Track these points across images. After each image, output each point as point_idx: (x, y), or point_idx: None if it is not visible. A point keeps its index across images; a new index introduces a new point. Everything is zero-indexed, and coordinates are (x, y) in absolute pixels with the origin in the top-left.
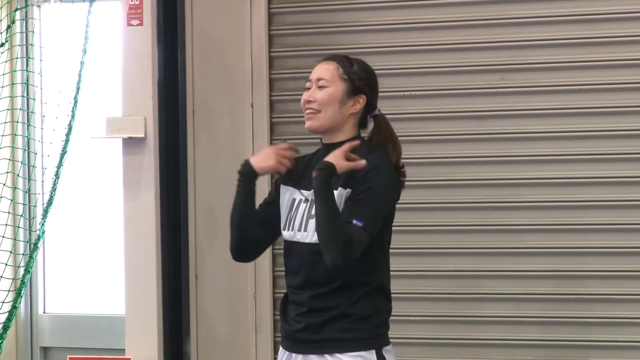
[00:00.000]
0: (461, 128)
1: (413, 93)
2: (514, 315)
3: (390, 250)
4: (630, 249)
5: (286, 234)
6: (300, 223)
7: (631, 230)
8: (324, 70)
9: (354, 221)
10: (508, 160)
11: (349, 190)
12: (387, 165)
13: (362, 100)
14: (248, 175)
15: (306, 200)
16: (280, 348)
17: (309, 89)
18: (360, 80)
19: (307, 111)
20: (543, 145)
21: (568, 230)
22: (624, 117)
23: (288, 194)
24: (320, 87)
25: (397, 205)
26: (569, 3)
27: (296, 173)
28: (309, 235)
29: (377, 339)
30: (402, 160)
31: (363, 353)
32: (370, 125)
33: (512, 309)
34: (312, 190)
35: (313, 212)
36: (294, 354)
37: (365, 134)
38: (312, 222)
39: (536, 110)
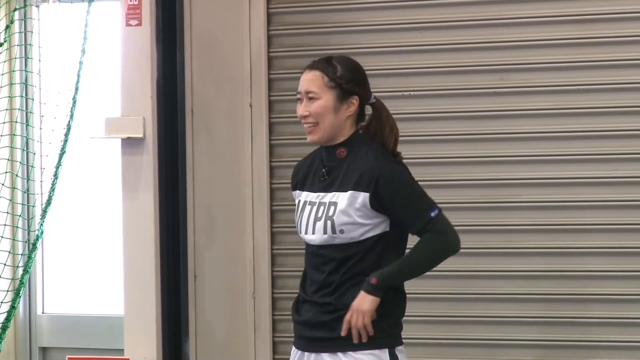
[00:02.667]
0: (460, 128)
1: (412, 93)
2: (513, 315)
3: None
4: (629, 249)
5: (301, 236)
6: (306, 225)
7: (631, 231)
8: (310, 82)
9: (431, 214)
10: (507, 160)
11: (364, 194)
12: (391, 160)
13: (355, 101)
14: None
15: (310, 203)
16: (293, 348)
17: (300, 100)
18: (348, 82)
19: (305, 125)
20: (542, 145)
21: (567, 230)
22: (623, 117)
23: (298, 198)
24: (311, 99)
25: None
26: (568, 3)
27: (301, 176)
28: (316, 236)
29: (390, 339)
30: (404, 160)
31: (376, 352)
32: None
33: (512, 309)
34: (316, 194)
35: (319, 214)
36: (306, 353)
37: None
38: (319, 224)
39: (535, 110)
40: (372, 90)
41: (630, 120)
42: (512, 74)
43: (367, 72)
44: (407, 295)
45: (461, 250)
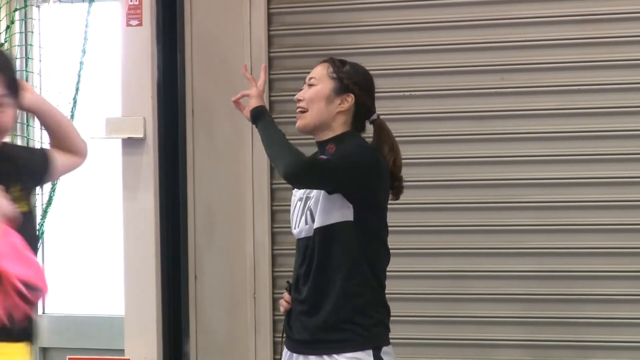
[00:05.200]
0: (461, 128)
1: (413, 93)
2: (512, 315)
3: (391, 251)
4: (629, 249)
5: (293, 233)
6: (296, 221)
7: (631, 231)
8: (316, 71)
9: (321, 156)
10: (508, 160)
11: None
12: (361, 146)
13: (350, 99)
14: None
15: (300, 199)
16: (284, 348)
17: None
18: (349, 79)
19: (297, 110)
20: (543, 145)
21: (568, 230)
22: (624, 117)
23: (293, 197)
24: (310, 86)
25: (397, 206)
26: (569, 3)
27: None
28: (302, 230)
29: (374, 339)
30: (404, 161)
31: (359, 354)
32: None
33: (511, 309)
34: (304, 189)
35: (306, 207)
36: (295, 355)
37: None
38: (303, 219)
39: (536, 110)
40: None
41: (631, 120)
42: (513, 74)
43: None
44: (407, 296)
45: (461, 251)
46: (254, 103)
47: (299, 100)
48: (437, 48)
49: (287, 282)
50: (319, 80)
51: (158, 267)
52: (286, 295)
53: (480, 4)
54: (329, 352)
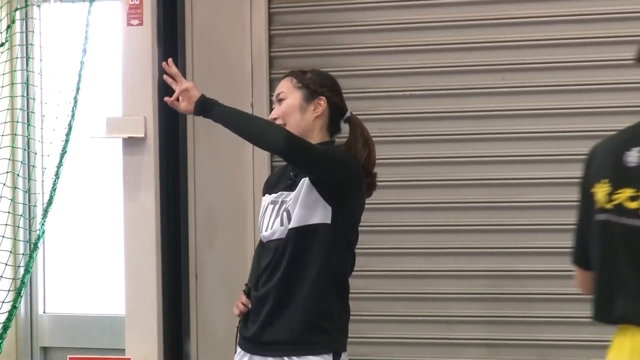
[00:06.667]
0: (461, 128)
1: (413, 93)
2: (511, 315)
3: (389, 251)
4: None
5: (261, 235)
6: (268, 223)
7: None
8: (281, 86)
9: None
10: (508, 160)
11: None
12: (343, 152)
13: (322, 103)
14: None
15: (273, 202)
16: (238, 348)
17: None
18: (316, 84)
19: None
20: (543, 145)
21: (568, 230)
22: (624, 117)
23: (264, 202)
24: (280, 101)
25: (396, 206)
26: (568, 3)
27: (271, 181)
28: (276, 232)
29: (333, 344)
30: (404, 160)
31: (318, 358)
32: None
33: (511, 308)
34: (278, 193)
35: (277, 209)
36: (249, 355)
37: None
38: (278, 220)
39: (536, 110)
40: (372, 90)
41: (630, 120)
42: (513, 74)
43: (367, 72)
44: (406, 296)
45: (460, 251)
46: (195, 94)
47: (275, 119)
48: (437, 48)
49: (246, 285)
50: (287, 93)
51: (158, 267)
52: (243, 298)
53: (479, 4)
54: (289, 354)
